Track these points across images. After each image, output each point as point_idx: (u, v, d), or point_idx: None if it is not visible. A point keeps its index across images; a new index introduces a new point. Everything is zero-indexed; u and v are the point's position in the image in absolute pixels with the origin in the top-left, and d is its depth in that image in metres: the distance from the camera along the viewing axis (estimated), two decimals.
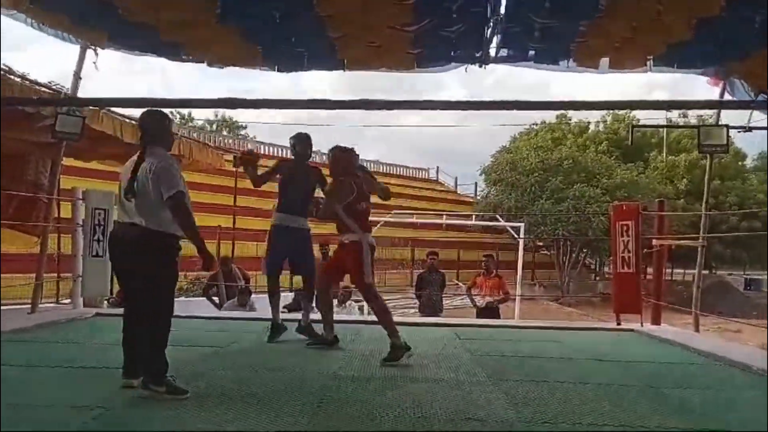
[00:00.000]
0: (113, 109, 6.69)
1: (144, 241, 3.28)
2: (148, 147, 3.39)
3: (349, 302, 8.98)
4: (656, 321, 6.77)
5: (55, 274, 8.48)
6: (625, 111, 31.10)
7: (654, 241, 6.97)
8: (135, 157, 3.40)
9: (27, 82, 5.77)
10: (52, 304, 7.87)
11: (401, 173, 40.44)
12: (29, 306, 6.74)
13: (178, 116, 39.13)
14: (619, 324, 6.91)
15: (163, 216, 3.27)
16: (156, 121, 3.58)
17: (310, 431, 2.76)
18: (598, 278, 30.60)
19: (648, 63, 5.94)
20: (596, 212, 22.46)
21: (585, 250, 27.94)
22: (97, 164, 9.74)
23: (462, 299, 12.46)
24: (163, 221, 3.28)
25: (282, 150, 34.86)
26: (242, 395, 3.31)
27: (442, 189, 40.93)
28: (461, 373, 4.05)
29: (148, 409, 3.03)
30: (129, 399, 3.21)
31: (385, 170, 39.46)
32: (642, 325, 6.58)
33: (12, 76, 5.37)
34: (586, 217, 23.24)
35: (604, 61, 5.96)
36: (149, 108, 3.91)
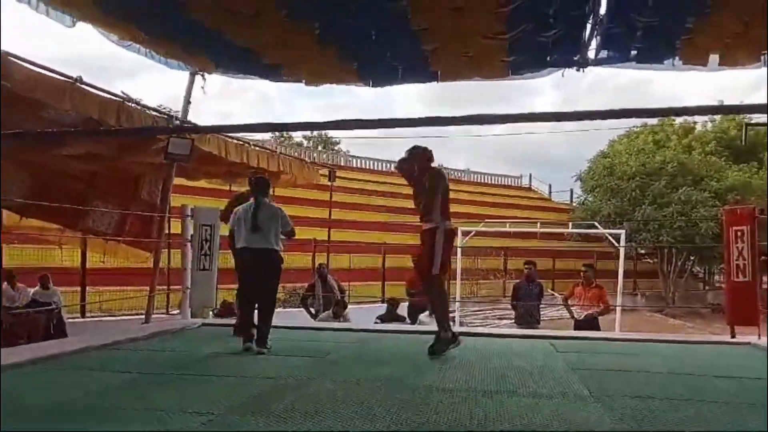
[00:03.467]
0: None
1: (277, 257, 5.35)
2: (259, 197, 5.35)
3: None
4: None
5: (165, 287, 9.06)
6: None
7: None
8: (251, 206, 5.31)
9: (140, 107, 6.27)
10: (162, 315, 8.41)
11: (492, 181, 39.89)
12: (143, 316, 7.24)
13: (279, 135, 40.73)
14: (733, 337, 6.44)
15: (280, 242, 5.37)
16: (266, 182, 5.65)
17: None
18: (707, 288, 28.63)
19: (762, 58, 5.56)
20: (704, 217, 21.08)
21: (692, 258, 26.27)
22: (204, 182, 10.33)
23: (558, 310, 12.09)
24: (280, 244, 5.37)
25: (373, 163, 35.56)
26: (343, 407, 3.36)
27: (536, 196, 39.94)
28: (561, 387, 3.92)
29: (255, 415, 3.16)
30: (236, 405, 3.37)
31: (474, 179, 39.11)
32: (759, 338, 6.10)
33: (130, 103, 5.83)
34: (693, 223, 21.86)
35: (714, 57, 5.63)
36: (260, 175, 6.09)
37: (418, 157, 5.15)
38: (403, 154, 5.26)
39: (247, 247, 5.30)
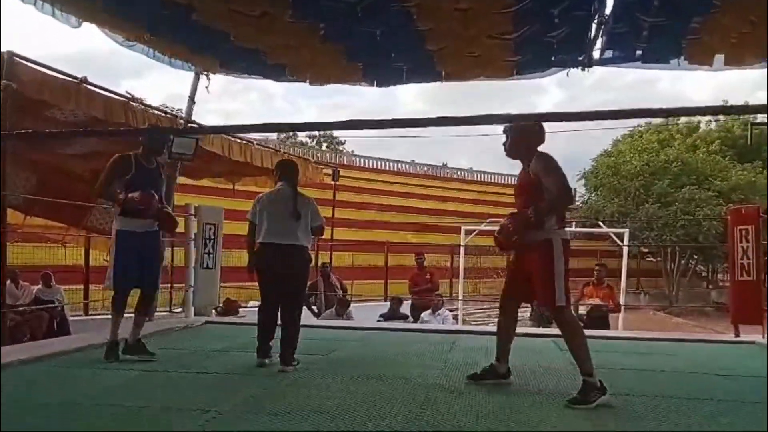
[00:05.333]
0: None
1: (308, 257, 4.63)
2: (284, 183, 4.52)
3: (442, 310, 8.94)
4: None
5: (169, 285, 9.08)
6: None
7: None
8: (283, 192, 4.47)
9: (144, 106, 6.28)
10: (165, 313, 8.42)
11: (495, 180, 39.90)
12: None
13: (283, 134, 40.83)
14: (737, 336, 6.44)
15: (309, 237, 4.53)
16: (295, 166, 4.82)
17: None
18: (710, 287, 28.58)
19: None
20: (708, 216, 21.04)
21: (695, 257, 26.22)
22: (207, 181, 10.34)
23: None
24: (311, 242, 4.58)
25: (376, 162, 35.60)
26: (347, 405, 3.37)
27: None
28: (565, 386, 3.91)
29: (258, 413, 3.17)
30: (239, 403, 3.37)
31: (478, 178, 39.14)
32: (764, 338, 6.09)
33: (134, 103, 5.85)
34: (696, 222, 21.83)
35: (719, 58, 5.62)
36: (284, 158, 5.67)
37: (520, 131, 3.71)
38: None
39: (276, 243, 4.36)
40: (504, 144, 3.84)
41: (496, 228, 3.93)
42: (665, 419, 3.16)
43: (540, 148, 3.72)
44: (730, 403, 3.54)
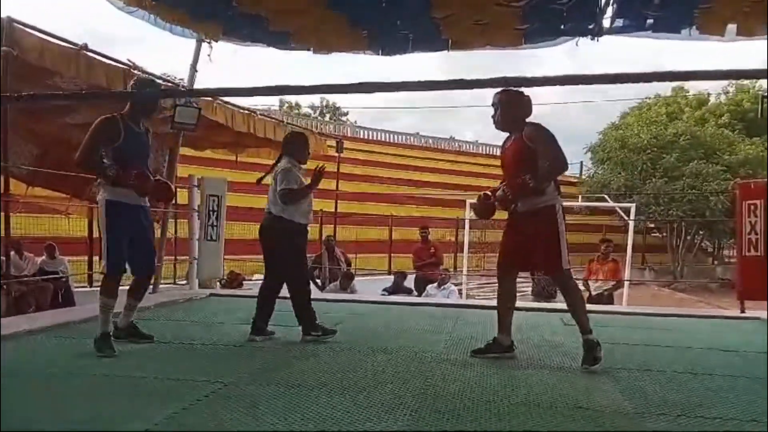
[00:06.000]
0: (226, 98, 7.02)
1: (282, 226, 4.36)
2: (282, 155, 4.52)
3: (448, 284, 8.96)
4: None
5: (173, 257, 9.07)
6: (751, 81, 28.45)
7: None
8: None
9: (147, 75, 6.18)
10: (169, 285, 8.43)
11: (499, 153, 39.56)
12: (151, 286, 7.26)
13: (286, 105, 40.63)
14: (743, 312, 6.41)
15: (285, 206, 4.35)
16: (290, 137, 4.80)
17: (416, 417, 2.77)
18: (716, 262, 28.51)
19: None
20: (715, 191, 20.87)
21: (701, 232, 26.10)
22: (211, 153, 10.27)
23: None
24: (285, 210, 4.35)
25: (380, 134, 35.38)
26: (351, 377, 3.37)
27: None
28: (569, 360, 3.91)
29: (264, 385, 3.17)
30: (244, 374, 3.37)
31: (483, 151, 38.87)
32: None
33: (136, 71, 5.75)
34: (703, 197, 21.66)
35: (731, 27, 5.48)
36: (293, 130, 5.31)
37: (509, 103, 3.82)
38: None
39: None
40: (493, 116, 3.92)
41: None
42: (668, 393, 3.14)
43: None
44: (734, 378, 3.52)
